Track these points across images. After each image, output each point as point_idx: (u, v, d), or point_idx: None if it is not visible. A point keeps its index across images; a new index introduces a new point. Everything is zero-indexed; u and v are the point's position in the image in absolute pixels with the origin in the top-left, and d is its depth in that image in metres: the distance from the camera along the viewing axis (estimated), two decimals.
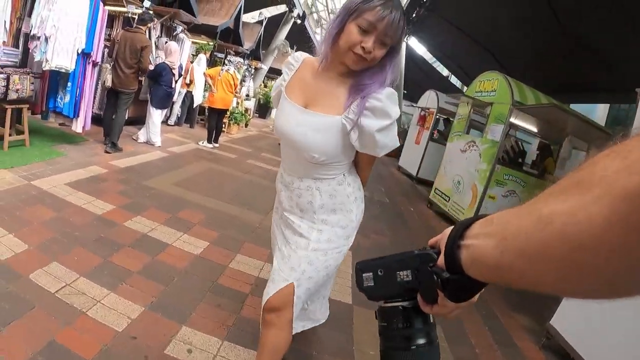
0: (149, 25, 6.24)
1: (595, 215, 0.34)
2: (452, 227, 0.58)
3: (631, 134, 0.37)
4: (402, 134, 13.57)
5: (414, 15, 11.89)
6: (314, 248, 1.49)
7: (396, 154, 13.94)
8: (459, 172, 6.68)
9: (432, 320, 0.65)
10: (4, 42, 4.27)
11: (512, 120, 6.00)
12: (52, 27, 4.66)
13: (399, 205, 7.14)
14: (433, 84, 13.35)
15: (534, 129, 6.99)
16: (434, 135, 10.05)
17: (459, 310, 0.61)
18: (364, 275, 0.69)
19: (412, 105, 12.30)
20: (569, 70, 7.92)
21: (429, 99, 10.65)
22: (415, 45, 16.18)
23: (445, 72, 17.54)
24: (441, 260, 0.57)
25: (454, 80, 16.96)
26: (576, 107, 7.54)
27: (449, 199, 6.75)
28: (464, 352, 2.88)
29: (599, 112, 10.75)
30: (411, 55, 15.45)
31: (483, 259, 0.48)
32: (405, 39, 1.24)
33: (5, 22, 4.11)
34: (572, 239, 0.36)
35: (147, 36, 6.32)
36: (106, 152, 5.59)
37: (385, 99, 1.34)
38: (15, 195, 3.49)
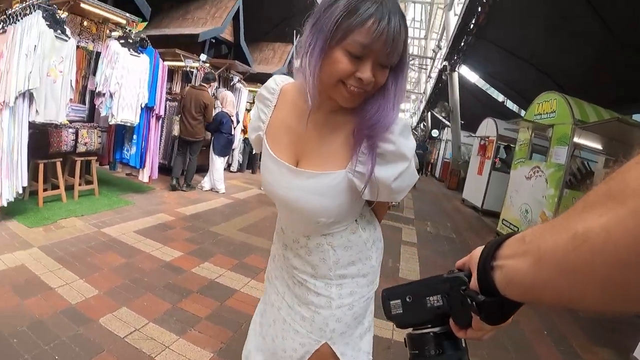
0: (211, 84, 6.72)
1: (634, 230, 0.32)
2: (482, 247, 0.55)
3: None
4: (464, 166, 13.24)
5: (462, 44, 11.89)
6: (338, 305, 1.22)
7: (457, 186, 13.62)
8: (526, 201, 6.34)
9: (464, 345, 0.61)
10: (71, 99, 4.53)
11: (576, 140, 5.68)
12: (116, 84, 4.96)
13: (466, 239, 6.76)
14: (489, 111, 13.12)
15: (599, 147, 6.55)
16: (496, 164, 9.76)
17: (494, 331, 0.57)
18: (391, 302, 0.65)
19: (471, 135, 12.04)
20: (628, 79, 7.56)
21: (487, 127, 10.44)
22: (467, 73, 16.03)
23: (500, 97, 17.09)
24: (474, 283, 0.54)
25: (510, 104, 16.44)
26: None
27: (518, 230, 6.27)
28: None
29: None
30: (464, 84, 15.28)
31: (519, 280, 0.46)
32: (408, 59, 0.89)
33: (71, 80, 4.38)
34: (611, 256, 0.33)
35: (210, 93, 6.79)
36: (182, 190, 6.46)
37: (398, 138, 1.00)
38: (86, 242, 3.57)
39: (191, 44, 8.00)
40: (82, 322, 2.34)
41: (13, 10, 4.00)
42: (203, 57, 7.64)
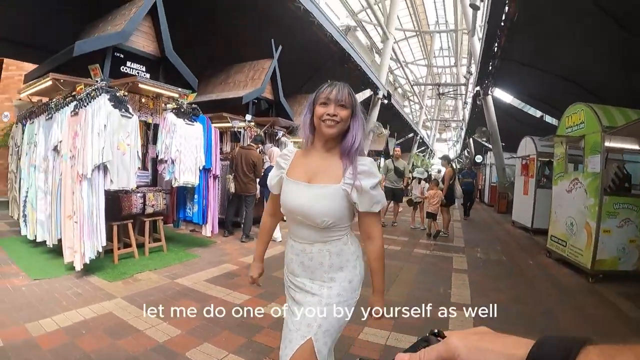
0: (259, 145, 7.40)
1: None
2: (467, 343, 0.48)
3: None
4: (510, 188, 12.99)
5: (490, 68, 12.02)
6: (327, 303, 1.63)
7: (507, 208, 13.44)
8: (570, 214, 6.29)
9: None
10: (138, 167, 5.10)
11: (608, 145, 5.66)
12: (176, 151, 5.52)
13: (516, 260, 6.72)
14: (529, 128, 13.02)
15: (637, 147, 6.41)
16: (542, 182, 9.70)
17: None
18: None
19: (513, 156, 12.03)
20: None
21: (527, 146, 10.51)
22: (501, 95, 15.95)
23: (538, 113, 16.70)
24: None
25: (549, 119, 15.94)
26: None
27: (566, 244, 6.29)
28: None
29: None
30: (500, 106, 15.23)
31: None
32: (360, 107, 1.36)
33: (137, 151, 4.98)
34: None
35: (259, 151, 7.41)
36: (242, 241, 6.89)
37: (369, 164, 1.66)
38: (163, 292, 4.01)
39: (235, 106, 8.53)
40: (171, 356, 2.69)
41: (80, 95, 4.67)
42: (248, 117, 8.22)
